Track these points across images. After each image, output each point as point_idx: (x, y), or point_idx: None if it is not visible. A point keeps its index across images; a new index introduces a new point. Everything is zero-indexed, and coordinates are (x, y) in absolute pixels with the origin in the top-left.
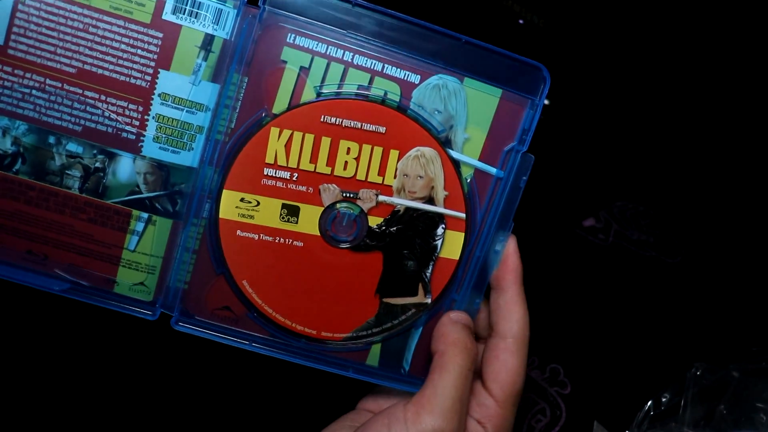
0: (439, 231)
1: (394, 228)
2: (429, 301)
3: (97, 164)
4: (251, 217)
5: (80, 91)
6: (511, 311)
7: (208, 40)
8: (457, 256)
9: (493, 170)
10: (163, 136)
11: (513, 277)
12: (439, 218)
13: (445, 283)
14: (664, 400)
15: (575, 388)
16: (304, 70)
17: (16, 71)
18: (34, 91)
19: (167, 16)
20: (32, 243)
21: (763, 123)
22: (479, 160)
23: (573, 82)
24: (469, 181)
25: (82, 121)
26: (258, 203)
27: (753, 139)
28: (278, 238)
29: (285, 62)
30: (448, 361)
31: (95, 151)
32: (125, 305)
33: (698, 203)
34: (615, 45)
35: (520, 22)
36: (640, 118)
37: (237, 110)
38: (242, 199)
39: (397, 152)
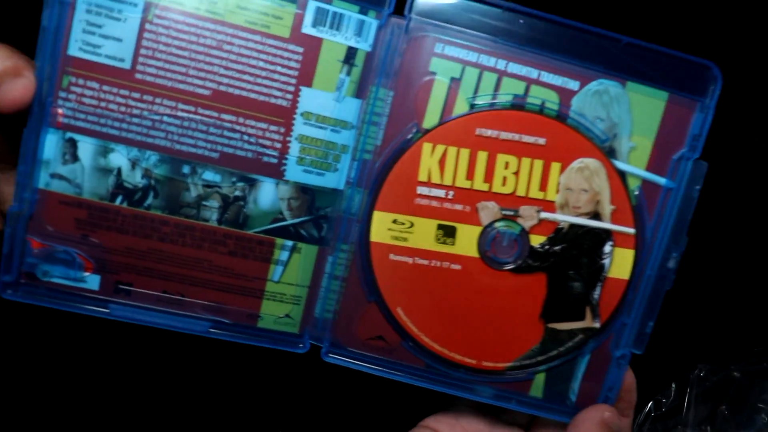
0: (607, 248)
1: (558, 247)
2: (598, 325)
3: (237, 193)
4: (405, 239)
5: (216, 115)
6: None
7: (351, 53)
8: (626, 276)
9: (662, 180)
10: (307, 157)
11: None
12: (606, 235)
13: (614, 305)
14: (665, 401)
15: None
16: (455, 81)
17: (144, 97)
18: (165, 118)
19: (307, 29)
20: (167, 282)
21: (763, 123)
22: (647, 170)
23: None
24: (636, 193)
25: (220, 147)
26: (412, 224)
27: (753, 139)
28: (434, 261)
29: (434, 74)
30: None
31: (234, 179)
32: (272, 339)
33: (698, 203)
34: None
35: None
36: None
37: (383, 127)
38: (395, 221)
39: (558, 165)
